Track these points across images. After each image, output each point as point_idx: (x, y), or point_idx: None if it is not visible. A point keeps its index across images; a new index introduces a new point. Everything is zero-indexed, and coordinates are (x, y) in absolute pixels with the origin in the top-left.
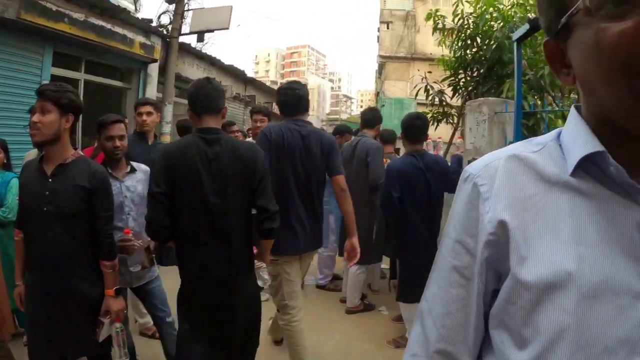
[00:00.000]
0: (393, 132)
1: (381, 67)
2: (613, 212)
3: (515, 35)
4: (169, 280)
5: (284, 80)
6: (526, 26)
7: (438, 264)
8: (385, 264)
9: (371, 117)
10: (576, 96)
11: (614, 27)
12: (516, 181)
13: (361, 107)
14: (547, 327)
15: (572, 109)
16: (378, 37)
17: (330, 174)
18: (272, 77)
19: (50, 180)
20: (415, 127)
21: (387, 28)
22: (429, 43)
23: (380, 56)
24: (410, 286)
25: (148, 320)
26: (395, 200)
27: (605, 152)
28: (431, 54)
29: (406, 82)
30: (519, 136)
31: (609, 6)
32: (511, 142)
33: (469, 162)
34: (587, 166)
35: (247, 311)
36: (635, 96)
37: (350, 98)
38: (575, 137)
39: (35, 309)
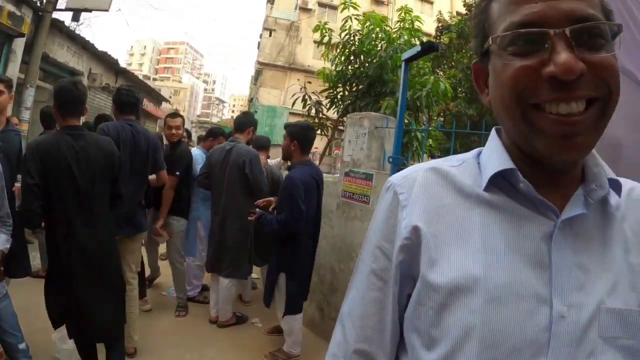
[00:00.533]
0: (268, 139)
1: (258, 73)
2: (522, 224)
3: (405, 55)
4: (19, 297)
5: (157, 76)
6: (417, 48)
7: (359, 269)
8: (255, 274)
9: (244, 121)
10: (442, 119)
11: (516, 63)
12: (433, 191)
13: (233, 111)
14: (454, 327)
15: (493, 131)
16: (259, 44)
17: (156, 167)
18: (145, 71)
19: None
20: (310, 139)
21: (270, 35)
22: (308, 55)
23: (259, 62)
24: (297, 299)
25: None
26: (303, 212)
27: (515, 170)
28: (309, 66)
29: (281, 91)
30: (399, 151)
31: (516, 44)
32: (390, 157)
33: (346, 173)
34: (499, 182)
35: (109, 273)
36: (529, 125)
37: (223, 102)
38: (491, 156)
39: None
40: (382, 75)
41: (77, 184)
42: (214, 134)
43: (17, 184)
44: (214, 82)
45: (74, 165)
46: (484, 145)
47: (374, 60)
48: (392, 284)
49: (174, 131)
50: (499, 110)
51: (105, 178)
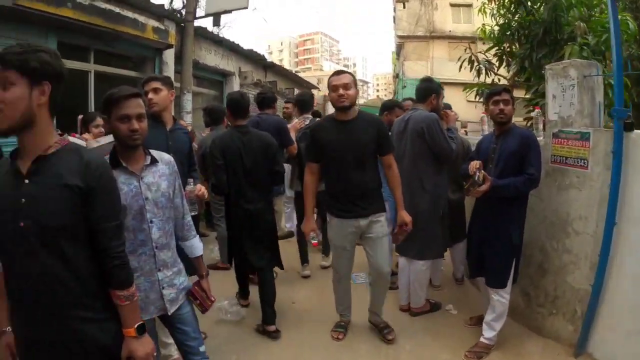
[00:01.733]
0: (449, 105)
1: (399, 47)
2: None
3: None
4: None
5: (299, 69)
6: None
7: None
8: None
9: (423, 88)
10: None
11: None
12: None
13: (377, 90)
14: None
15: None
16: (394, 18)
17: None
18: (286, 65)
19: (27, 181)
20: None
21: (404, 7)
22: (448, 20)
23: (398, 36)
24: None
25: (173, 352)
26: None
27: None
28: (450, 31)
29: (427, 61)
30: (621, 102)
31: None
32: (609, 112)
33: (554, 134)
34: None
35: (268, 225)
36: None
37: (366, 82)
38: None
39: None
40: (556, 19)
41: (245, 165)
42: (387, 107)
43: (188, 187)
44: (354, 64)
45: (243, 152)
46: None
47: (545, 2)
48: None
49: (341, 91)
50: None
51: (263, 161)
